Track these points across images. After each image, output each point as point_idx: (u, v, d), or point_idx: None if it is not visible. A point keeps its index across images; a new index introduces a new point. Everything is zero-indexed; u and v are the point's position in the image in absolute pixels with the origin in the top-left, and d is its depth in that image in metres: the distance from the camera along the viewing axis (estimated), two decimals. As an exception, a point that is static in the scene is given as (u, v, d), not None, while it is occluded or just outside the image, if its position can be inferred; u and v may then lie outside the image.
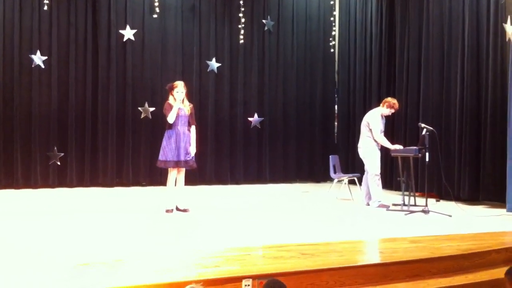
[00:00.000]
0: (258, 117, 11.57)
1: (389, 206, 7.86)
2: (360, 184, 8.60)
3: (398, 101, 8.38)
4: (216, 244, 5.11)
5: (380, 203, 7.94)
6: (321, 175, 11.96)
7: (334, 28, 12.35)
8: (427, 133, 7.53)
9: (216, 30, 11.24)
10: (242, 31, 11.31)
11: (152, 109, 10.51)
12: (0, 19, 9.54)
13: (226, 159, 11.26)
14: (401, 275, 4.44)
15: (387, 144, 8.07)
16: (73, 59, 10.06)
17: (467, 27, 8.65)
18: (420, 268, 4.56)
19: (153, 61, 10.72)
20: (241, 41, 11.35)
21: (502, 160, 7.93)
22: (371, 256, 5.12)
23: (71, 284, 3.58)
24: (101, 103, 10.25)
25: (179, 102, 7.02)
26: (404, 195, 7.81)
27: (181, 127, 7.04)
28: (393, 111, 8.17)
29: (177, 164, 7.03)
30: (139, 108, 10.55)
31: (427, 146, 7.49)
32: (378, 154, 8.10)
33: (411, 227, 6.37)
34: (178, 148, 6.98)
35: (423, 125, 7.74)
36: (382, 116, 8.16)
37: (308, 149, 12.05)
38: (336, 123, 12.45)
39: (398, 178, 8.11)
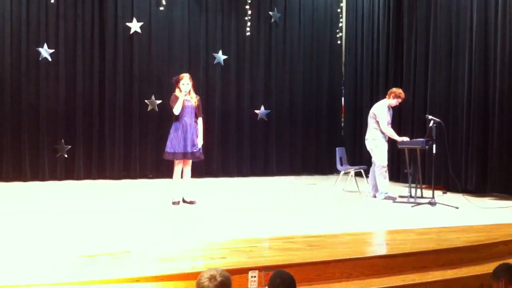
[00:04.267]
0: (265, 109, 11.56)
1: (395, 198, 7.86)
2: (367, 176, 8.60)
3: (405, 93, 8.36)
4: (223, 236, 5.12)
5: (386, 195, 7.93)
6: (327, 168, 11.94)
7: (341, 20, 12.30)
8: (434, 124, 7.51)
9: (223, 23, 11.22)
10: (248, 23, 11.29)
11: (158, 101, 10.53)
12: (7, 12, 9.57)
13: (233, 151, 11.27)
14: (408, 267, 4.44)
15: (394, 136, 8.05)
16: (80, 52, 10.08)
17: (475, 18, 8.59)
18: (427, 259, 4.56)
19: (160, 53, 10.72)
20: (248, 33, 11.34)
21: (509, 151, 7.90)
22: (378, 247, 5.12)
23: (77, 275, 3.60)
24: (108, 95, 10.27)
25: (184, 93, 7.03)
26: (411, 187, 7.80)
27: (188, 119, 7.05)
28: (400, 100, 8.15)
29: (184, 156, 7.05)
30: (146, 101, 10.57)
31: (434, 138, 7.47)
32: (385, 146, 8.09)
33: (418, 219, 6.36)
34: (185, 139, 7.00)
35: (430, 117, 7.71)
36: (389, 107, 8.15)
37: (314, 142, 12.04)
38: (342, 115, 12.43)
39: (405, 170, 8.10)
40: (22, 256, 4.16)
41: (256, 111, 11.51)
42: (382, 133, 8.06)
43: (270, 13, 11.59)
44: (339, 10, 12.28)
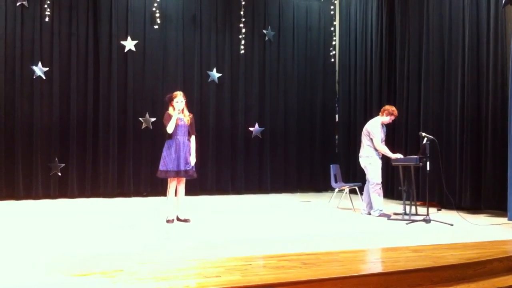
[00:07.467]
0: (259, 127, 11.58)
1: (390, 215, 7.85)
2: (361, 193, 8.60)
3: (398, 110, 8.39)
4: (217, 254, 5.10)
5: (381, 212, 7.93)
6: (322, 185, 11.94)
7: (334, 38, 12.39)
8: (428, 142, 7.53)
9: (217, 40, 11.29)
10: (242, 41, 11.35)
11: (153, 119, 10.54)
12: (1, 30, 9.61)
13: (227, 169, 11.26)
14: (403, 285, 4.41)
15: (388, 153, 8.06)
16: (74, 70, 10.11)
17: (467, 36, 8.66)
18: (422, 277, 4.53)
19: (154, 71, 10.76)
20: (242, 51, 11.39)
21: (503, 168, 7.91)
22: (373, 265, 5.10)
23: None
24: (102, 113, 10.27)
25: (177, 111, 7.04)
26: (405, 204, 7.80)
27: (181, 137, 7.05)
28: (393, 118, 8.19)
29: (177, 174, 7.04)
30: (140, 119, 10.57)
31: (428, 155, 7.49)
32: (379, 163, 8.10)
33: (413, 236, 6.35)
34: (178, 158, 6.99)
35: (423, 134, 7.74)
36: (382, 124, 8.18)
37: (309, 159, 12.05)
38: (336, 133, 12.46)
39: (399, 187, 8.10)
40: (12, 276, 4.11)
41: (251, 129, 11.52)
42: (376, 150, 8.07)
43: (264, 31, 11.67)
44: (332, 29, 12.37)
